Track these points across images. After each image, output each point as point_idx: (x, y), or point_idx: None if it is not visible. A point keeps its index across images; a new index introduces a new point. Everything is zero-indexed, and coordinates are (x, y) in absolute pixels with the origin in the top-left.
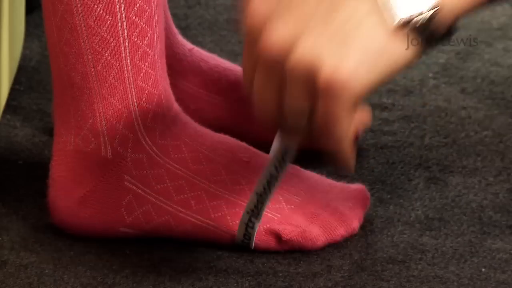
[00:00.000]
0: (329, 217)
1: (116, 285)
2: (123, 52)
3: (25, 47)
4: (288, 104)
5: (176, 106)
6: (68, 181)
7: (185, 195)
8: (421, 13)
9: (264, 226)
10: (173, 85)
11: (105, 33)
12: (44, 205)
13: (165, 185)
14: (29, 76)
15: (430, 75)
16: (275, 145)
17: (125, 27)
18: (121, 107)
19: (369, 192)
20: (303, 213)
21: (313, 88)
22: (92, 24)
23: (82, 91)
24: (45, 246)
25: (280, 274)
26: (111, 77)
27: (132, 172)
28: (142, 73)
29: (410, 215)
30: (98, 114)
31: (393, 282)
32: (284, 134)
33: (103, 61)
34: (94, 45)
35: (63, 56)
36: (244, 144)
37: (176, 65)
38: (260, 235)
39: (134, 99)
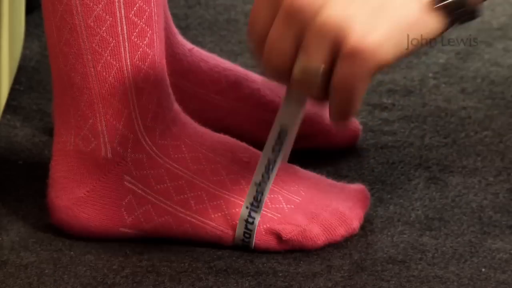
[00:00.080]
0: (329, 217)
1: (116, 285)
2: (122, 52)
3: (25, 47)
4: (304, 59)
5: (176, 106)
6: (68, 181)
7: (185, 195)
8: None
9: (264, 226)
10: (173, 85)
11: (104, 33)
12: (44, 205)
13: (165, 185)
14: (29, 76)
15: (430, 75)
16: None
17: (124, 27)
18: (121, 107)
19: (369, 192)
20: (303, 213)
21: (336, 50)
22: (92, 24)
23: (82, 91)
24: (45, 246)
25: (280, 274)
26: (111, 77)
27: (132, 172)
28: (142, 73)
29: (410, 215)
30: (98, 114)
31: (393, 282)
32: (288, 91)
33: (102, 61)
34: (93, 45)
35: (63, 56)
36: (244, 144)
37: (176, 65)
38: (260, 235)
39: (134, 99)
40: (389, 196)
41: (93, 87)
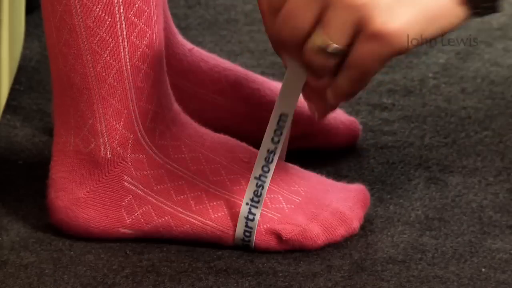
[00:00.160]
0: (329, 217)
1: (116, 285)
2: (122, 53)
3: (25, 47)
4: (324, 35)
5: (176, 106)
6: (68, 181)
7: (185, 196)
8: None
9: (264, 226)
10: (173, 85)
11: (104, 34)
12: (44, 205)
13: (165, 185)
14: (29, 76)
15: (430, 75)
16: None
17: (124, 27)
18: (121, 107)
19: (369, 192)
20: (303, 213)
21: (358, 30)
22: (91, 24)
23: (82, 92)
24: (45, 246)
25: (280, 274)
26: (110, 78)
27: (132, 172)
28: (141, 74)
29: (410, 215)
30: (97, 115)
31: (393, 282)
32: (294, 64)
33: (102, 61)
34: (93, 45)
35: (63, 56)
36: (244, 144)
37: (176, 65)
38: (260, 235)
39: (134, 99)
40: (389, 196)
41: (93, 88)
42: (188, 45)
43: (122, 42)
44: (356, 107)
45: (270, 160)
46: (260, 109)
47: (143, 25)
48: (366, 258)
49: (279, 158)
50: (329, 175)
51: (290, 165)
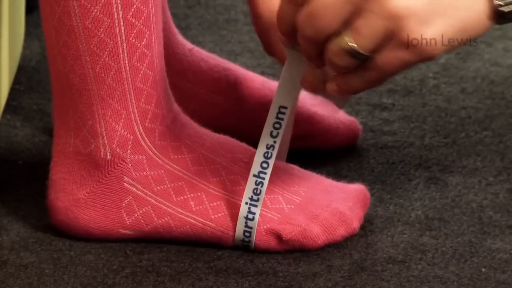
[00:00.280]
0: (329, 217)
1: (116, 285)
2: (121, 54)
3: (25, 47)
4: (352, 38)
5: (175, 106)
6: (68, 182)
7: (185, 196)
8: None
9: (264, 226)
10: (173, 85)
11: (102, 35)
12: (44, 205)
13: (165, 186)
14: (29, 76)
15: (430, 75)
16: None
17: (122, 28)
18: (120, 108)
19: (369, 192)
20: (303, 213)
21: (388, 37)
22: (90, 25)
23: (81, 93)
24: (45, 246)
25: (280, 274)
26: (109, 79)
27: (132, 173)
28: (140, 74)
29: (410, 215)
30: (97, 116)
31: (393, 282)
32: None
33: (101, 62)
34: (92, 46)
35: (62, 58)
36: (244, 144)
37: (176, 65)
38: (260, 235)
39: (133, 100)
40: (389, 196)
41: (92, 89)
42: (188, 45)
43: (121, 43)
44: (356, 107)
45: (269, 155)
46: (260, 109)
47: (142, 26)
48: (366, 258)
49: (280, 158)
50: (329, 175)
51: (290, 165)
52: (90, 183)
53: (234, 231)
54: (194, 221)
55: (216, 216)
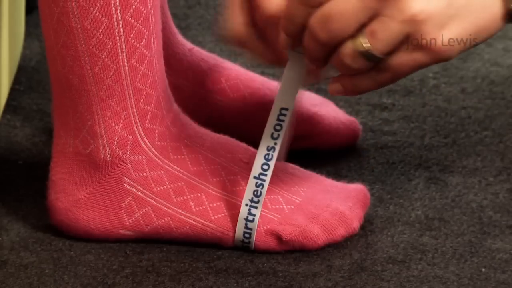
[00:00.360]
0: (329, 217)
1: (116, 285)
2: (120, 54)
3: (25, 47)
4: (366, 41)
5: (175, 106)
6: (68, 183)
7: (185, 197)
8: None
9: (264, 227)
10: (173, 85)
11: (101, 35)
12: (44, 205)
13: (165, 187)
14: (29, 76)
15: (430, 75)
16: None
17: (121, 29)
18: (120, 109)
19: (369, 192)
20: (303, 213)
21: (404, 41)
22: (89, 26)
23: (80, 93)
24: (45, 246)
25: (280, 274)
26: (108, 79)
27: (132, 174)
28: (139, 75)
29: (410, 215)
30: (96, 116)
31: (393, 282)
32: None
33: (100, 63)
34: (91, 47)
35: (61, 58)
36: (244, 144)
37: (176, 65)
38: (260, 236)
39: (132, 100)
40: (389, 196)
41: (91, 89)
42: (188, 45)
43: (120, 43)
44: (356, 107)
45: (270, 157)
46: (260, 109)
47: (141, 26)
48: (366, 258)
49: (280, 158)
50: (329, 175)
51: (290, 165)
52: (90, 184)
53: (234, 232)
54: (194, 222)
55: (216, 217)
